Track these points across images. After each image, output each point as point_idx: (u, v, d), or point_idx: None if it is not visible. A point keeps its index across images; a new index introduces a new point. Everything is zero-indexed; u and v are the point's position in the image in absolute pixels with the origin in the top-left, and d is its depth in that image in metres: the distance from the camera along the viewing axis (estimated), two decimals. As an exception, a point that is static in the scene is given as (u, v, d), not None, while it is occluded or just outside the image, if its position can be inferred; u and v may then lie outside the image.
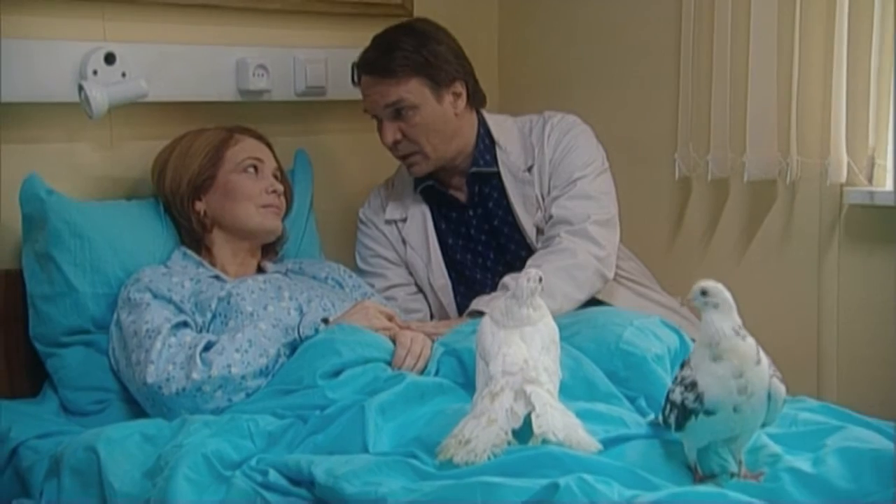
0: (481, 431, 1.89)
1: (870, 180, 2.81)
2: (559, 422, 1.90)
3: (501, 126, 2.95)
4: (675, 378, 1.89)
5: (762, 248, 3.06)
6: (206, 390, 2.33)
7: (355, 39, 2.93)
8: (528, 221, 2.85)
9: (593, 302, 2.78)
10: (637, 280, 2.97)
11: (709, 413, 1.81)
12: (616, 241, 2.84)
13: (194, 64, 2.90)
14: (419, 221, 2.96)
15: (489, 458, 1.86)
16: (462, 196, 2.95)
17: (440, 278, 2.94)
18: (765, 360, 1.83)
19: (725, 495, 1.65)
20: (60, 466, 2.20)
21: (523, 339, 2.04)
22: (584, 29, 3.41)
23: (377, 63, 2.80)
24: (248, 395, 2.35)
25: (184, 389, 2.33)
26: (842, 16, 2.74)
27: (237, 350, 2.37)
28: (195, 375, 2.33)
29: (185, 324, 2.46)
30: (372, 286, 2.92)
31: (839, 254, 2.91)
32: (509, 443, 1.89)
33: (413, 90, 2.78)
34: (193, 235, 2.72)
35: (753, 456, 1.90)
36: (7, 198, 2.61)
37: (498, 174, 2.89)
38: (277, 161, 2.79)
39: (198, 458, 2.04)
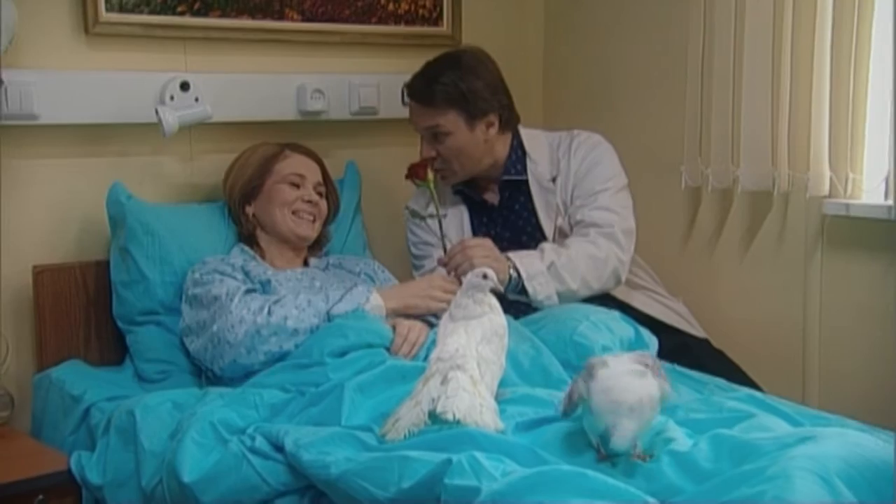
0: (407, 412, 1.95)
1: (845, 193, 2.76)
2: (464, 403, 1.92)
3: (534, 140, 2.95)
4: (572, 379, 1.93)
5: (758, 255, 3.03)
6: (264, 334, 2.42)
7: (406, 66, 2.96)
8: (548, 225, 2.85)
9: (609, 300, 2.80)
10: (649, 287, 2.98)
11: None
12: (632, 251, 2.83)
13: (260, 89, 3.01)
14: (457, 218, 2.96)
15: (405, 436, 1.92)
16: (493, 198, 2.95)
17: None
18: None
19: (584, 474, 1.67)
20: (110, 426, 2.35)
21: (467, 331, 2.07)
22: (612, 62, 3.43)
23: (420, 92, 2.84)
24: (296, 346, 2.42)
25: (246, 332, 2.42)
26: (823, 48, 2.72)
27: (296, 307, 2.45)
28: (259, 319, 2.42)
29: (253, 290, 2.57)
30: (423, 266, 2.95)
31: (822, 262, 2.86)
32: (425, 423, 1.94)
33: (448, 119, 2.81)
34: (246, 235, 2.82)
35: (653, 439, 1.90)
36: (101, 202, 2.77)
37: (527, 182, 2.89)
38: (325, 174, 2.86)
39: (205, 424, 2.16)
